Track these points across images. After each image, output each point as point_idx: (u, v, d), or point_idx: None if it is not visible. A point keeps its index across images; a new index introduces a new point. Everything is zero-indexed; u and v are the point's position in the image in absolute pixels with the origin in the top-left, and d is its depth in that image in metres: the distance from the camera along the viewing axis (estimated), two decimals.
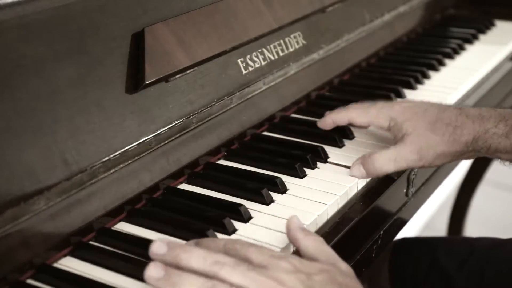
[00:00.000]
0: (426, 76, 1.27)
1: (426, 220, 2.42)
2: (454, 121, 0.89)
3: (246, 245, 0.66)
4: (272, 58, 1.07)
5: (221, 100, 0.96)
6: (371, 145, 0.99)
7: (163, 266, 0.64)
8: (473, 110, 0.91)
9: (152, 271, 0.64)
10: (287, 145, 1.00)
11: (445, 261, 1.07)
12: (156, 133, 0.86)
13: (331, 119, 0.98)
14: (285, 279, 0.62)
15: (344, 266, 0.68)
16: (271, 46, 1.07)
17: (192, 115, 0.92)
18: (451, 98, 1.18)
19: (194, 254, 0.64)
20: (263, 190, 0.85)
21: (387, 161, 0.88)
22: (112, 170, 0.80)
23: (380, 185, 0.93)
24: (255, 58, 1.04)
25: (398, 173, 0.95)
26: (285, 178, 0.89)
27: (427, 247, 1.12)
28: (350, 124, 0.98)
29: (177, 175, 0.89)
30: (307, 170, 0.92)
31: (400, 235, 1.04)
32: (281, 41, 1.10)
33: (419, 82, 1.24)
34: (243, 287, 0.61)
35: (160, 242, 0.66)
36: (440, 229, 2.17)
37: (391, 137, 0.94)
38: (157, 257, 0.65)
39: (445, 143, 0.88)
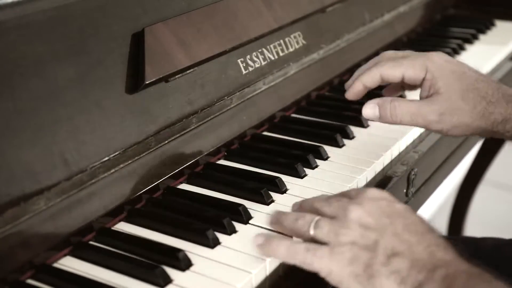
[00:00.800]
0: None
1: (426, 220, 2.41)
2: (490, 95, 0.84)
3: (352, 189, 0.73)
4: (272, 58, 1.07)
5: (221, 100, 0.96)
6: (371, 145, 0.99)
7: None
8: (510, 90, 0.86)
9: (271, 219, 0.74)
10: (287, 145, 1.00)
11: None
12: (156, 133, 0.86)
13: (361, 83, 0.90)
14: (366, 204, 0.68)
15: None
16: (271, 46, 1.07)
17: (192, 115, 0.92)
18: None
19: (307, 201, 0.74)
20: (263, 190, 0.85)
21: (406, 112, 0.84)
22: (112, 170, 0.80)
23: (380, 185, 0.93)
24: (255, 58, 1.04)
25: (398, 173, 0.95)
26: (285, 178, 0.89)
27: None
28: (383, 80, 0.90)
29: (177, 175, 0.89)
30: (307, 170, 0.92)
31: None
32: (281, 41, 1.10)
33: None
34: (326, 213, 0.69)
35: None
36: (440, 229, 2.17)
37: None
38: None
39: (472, 116, 0.83)
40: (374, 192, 0.70)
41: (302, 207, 0.75)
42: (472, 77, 0.85)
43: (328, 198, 0.72)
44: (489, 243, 1.09)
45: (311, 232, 0.68)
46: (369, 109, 0.87)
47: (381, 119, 0.87)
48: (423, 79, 0.85)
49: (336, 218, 0.68)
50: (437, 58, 0.86)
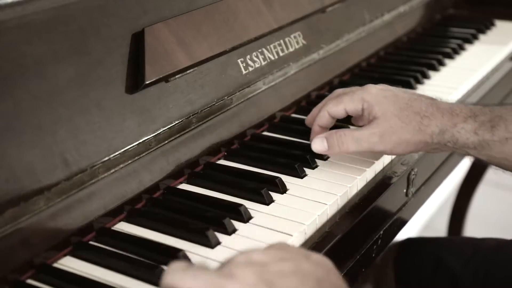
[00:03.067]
0: (426, 76, 1.27)
1: (426, 220, 2.42)
2: (424, 110, 0.89)
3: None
4: (272, 58, 1.07)
5: (221, 100, 0.96)
6: None
7: None
8: (445, 103, 0.91)
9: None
10: (287, 145, 1.00)
11: (450, 261, 1.07)
12: (156, 133, 0.86)
13: (317, 125, 0.96)
14: (239, 273, 0.58)
15: (316, 256, 0.62)
16: (271, 46, 1.07)
17: (192, 115, 0.92)
18: (451, 98, 1.18)
19: None
20: (263, 190, 0.85)
21: (351, 140, 0.89)
22: (112, 170, 0.80)
23: (380, 185, 0.93)
24: (255, 58, 1.04)
25: (398, 173, 0.95)
26: (285, 178, 0.89)
27: (432, 247, 1.12)
28: (332, 117, 0.95)
29: (177, 175, 0.89)
30: (307, 170, 0.92)
31: (400, 235, 1.04)
32: (281, 41, 1.10)
33: (419, 82, 1.24)
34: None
35: None
36: (440, 229, 2.17)
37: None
38: None
39: (410, 131, 0.88)
40: (241, 257, 0.60)
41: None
42: (405, 98, 0.91)
43: (186, 269, 0.57)
44: (489, 244, 1.09)
45: None
46: (318, 144, 0.91)
47: (330, 150, 0.91)
48: (363, 108, 0.92)
49: None
50: (372, 89, 0.93)
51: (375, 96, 0.91)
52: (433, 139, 0.88)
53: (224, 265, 0.59)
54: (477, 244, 1.09)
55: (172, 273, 0.58)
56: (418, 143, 0.89)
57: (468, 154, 0.90)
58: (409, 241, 1.17)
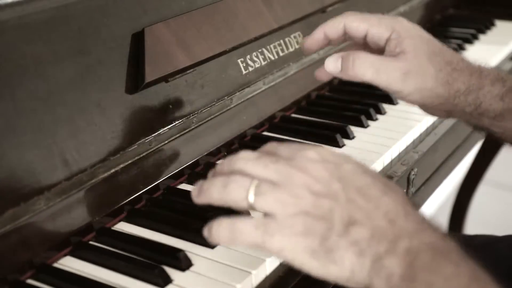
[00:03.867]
0: None
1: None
2: (455, 63, 0.81)
3: (276, 144, 0.64)
4: (272, 58, 1.07)
5: (221, 100, 0.96)
6: (371, 145, 0.99)
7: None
8: (473, 63, 0.84)
9: (193, 192, 0.64)
10: None
11: None
12: (156, 133, 0.86)
13: (322, 31, 0.84)
14: (310, 168, 0.58)
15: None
16: (271, 46, 1.07)
17: (192, 115, 0.92)
18: None
19: (225, 161, 0.62)
20: None
21: (368, 66, 0.78)
22: (112, 170, 0.80)
23: None
24: (255, 58, 1.04)
25: (398, 173, 0.95)
26: None
27: None
28: (346, 32, 0.84)
29: (177, 175, 0.89)
30: None
31: None
32: (281, 41, 1.10)
33: None
34: (264, 178, 0.59)
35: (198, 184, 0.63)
36: None
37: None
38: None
39: (436, 80, 0.79)
40: (313, 153, 0.61)
41: (220, 171, 0.62)
42: (439, 44, 0.83)
43: (257, 159, 0.60)
44: (478, 241, 1.08)
45: (251, 199, 0.58)
46: (332, 62, 0.81)
47: (343, 72, 0.80)
48: (388, 39, 0.81)
49: (279, 185, 0.58)
50: (405, 22, 0.83)
51: (407, 29, 0.81)
52: (455, 97, 0.80)
53: (294, 157, 0.60)
54: (467, 241, 1.09)
55: (245, 161, 0.60)
56: (438, 96, 0.80)
57: (482, 126, 0.82)
58: None
